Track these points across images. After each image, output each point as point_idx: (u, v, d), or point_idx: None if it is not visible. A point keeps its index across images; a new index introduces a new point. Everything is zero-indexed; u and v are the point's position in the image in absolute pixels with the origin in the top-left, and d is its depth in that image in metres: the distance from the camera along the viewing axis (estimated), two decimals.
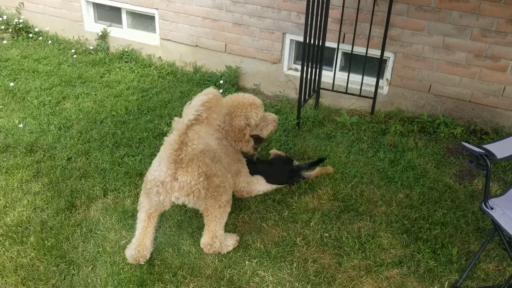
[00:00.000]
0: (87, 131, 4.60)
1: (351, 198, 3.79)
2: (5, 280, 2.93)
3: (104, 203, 3.64)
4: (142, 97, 5.40)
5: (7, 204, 3.57)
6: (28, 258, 3.11)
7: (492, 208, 2.71)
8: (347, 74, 5.13)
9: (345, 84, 5.15)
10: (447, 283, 3.03)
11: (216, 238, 3.11)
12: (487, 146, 2.80)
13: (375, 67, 5.07)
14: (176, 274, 3.04)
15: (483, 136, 4.75)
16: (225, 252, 3.20)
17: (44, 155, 4.18)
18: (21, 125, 4.63)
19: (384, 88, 5.29)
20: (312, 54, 4.72)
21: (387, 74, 5.22)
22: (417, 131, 4.84)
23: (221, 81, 5.81)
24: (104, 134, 4.56)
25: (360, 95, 5.09)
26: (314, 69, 4.89)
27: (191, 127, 2.67)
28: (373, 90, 5.04)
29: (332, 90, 5.20)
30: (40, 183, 3.82)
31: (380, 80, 5.22)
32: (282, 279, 3.03)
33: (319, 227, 3.47)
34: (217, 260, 3.16)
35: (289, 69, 5.74)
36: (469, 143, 2.81)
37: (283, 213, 3.61)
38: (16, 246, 3.19)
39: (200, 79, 5.91)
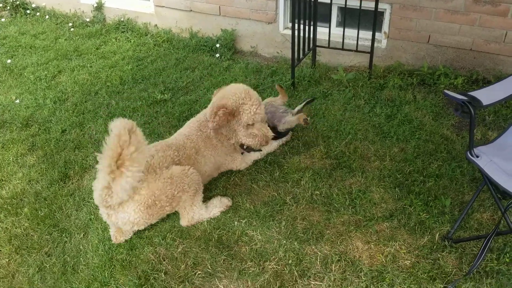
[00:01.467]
0: (81, 103, 4.62)
1: (344, 155, 3.74)
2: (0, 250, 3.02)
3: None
4: (137, 66, 5.37)
5: (3, 178, 3.65)
6: (22, 228, 3.19)
7: (477, 156, 2.63)
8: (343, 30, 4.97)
9: (342, 41, 5.00)
10: (438, 234, 2.98)
11: (193, 219, 3.14)
12: (473, 93, 2.69)
13: (372, 20, 4.88)
14: (166, 237, 3.08)
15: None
16: (210, 218, 3.22)
17: (39, 129, 4.23)
18: (17, 101, 4.68)
19: (383, 42, 5.12)
20: (305, 10, 4.58)
21: (385, 27, 5.04)
22: (416, 84, 4.69)
23: (217, 45, 5.72)
24: (98, 105, 4.58)
25: (357, 51, 4.94)
26: (308, 26, 4.76)
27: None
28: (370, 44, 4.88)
29: (329, 47, 5.06)
30: (35, 156, 3.88)
31: (378, 34, 5.06)
32: (271, 237, 3.04)
33: (310, 185, 3.44)
34: (206, 223, 3.18)
35: (285, 28, 5.60)
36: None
37: (274, 173, 3.60)
38: (11, 217, 3.28)
39: (196, 45, 5.83)
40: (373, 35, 4.76)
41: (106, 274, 2.81)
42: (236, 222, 3.17)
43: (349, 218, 3.16)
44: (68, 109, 4.52)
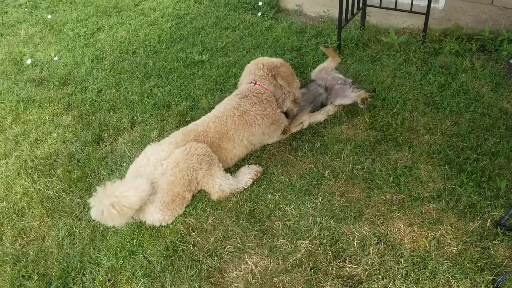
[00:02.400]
0: (119, 62, 4.52)
1: (391, 127, 3.46)
2: (31, 212, 3.02)
3: (130, 135, 3.60)
4: (176, 24, 5.18)
5: (38, 137, 3.64)
6: (54, 190, 3.17)
7: None
8: None
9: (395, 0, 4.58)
10: (490, 219, 2.71)
11: (223, 191, 2.99)
12: None
13: None
14: (196, 208, 2.97)
15: None
16: (244, 188, 3.07)
17: (76, 88, 4.18)
18: (56, 58, 4.64)
19: (440, 2, 4.66)
20: None
21: None
22: (475, 50, 4.26)
23: (260, 3, 5.42)
24: (135, 64, 4.46)
25: (411, 11, 4.52)
26: None
27: None
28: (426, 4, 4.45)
29: (380, 7, 4.65)
30: (70, 116, 3.83)
31: None
32: (305, 213, 2.87)
33: (351, 159, 3.22)
34: (239, 194, 3.04)
35: None
36: None
37: (313, 144, 3.38)
38: (44, 179, 3.27)
39: (238, 2, 5.55)
40: None
41: (134, 242, 2.75)
42: (269, 195, 3.01)
43: (392, 196, 2.93)
44: (105, 68, 4.43)
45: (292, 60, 4.34)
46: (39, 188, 3.19)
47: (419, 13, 4.49)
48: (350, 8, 4.40)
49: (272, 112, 3.27)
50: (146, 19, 5.31)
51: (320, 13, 5.41)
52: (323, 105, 3.72)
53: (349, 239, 2.69)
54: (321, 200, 2.95)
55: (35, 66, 4.55)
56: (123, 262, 2.66)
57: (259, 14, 5.31)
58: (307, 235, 2.73)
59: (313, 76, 3.90)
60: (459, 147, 3.24)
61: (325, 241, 2.69)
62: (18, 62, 4.67)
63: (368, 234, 2.70)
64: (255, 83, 3.28)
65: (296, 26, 4.98)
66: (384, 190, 2.98)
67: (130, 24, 5.25)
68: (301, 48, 4.56)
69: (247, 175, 3.11)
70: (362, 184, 3.04)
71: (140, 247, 2.74)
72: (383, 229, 2.73)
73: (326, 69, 3.82)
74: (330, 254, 2.61)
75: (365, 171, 3.13)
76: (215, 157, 3.00)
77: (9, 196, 3.18)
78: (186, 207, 2.96)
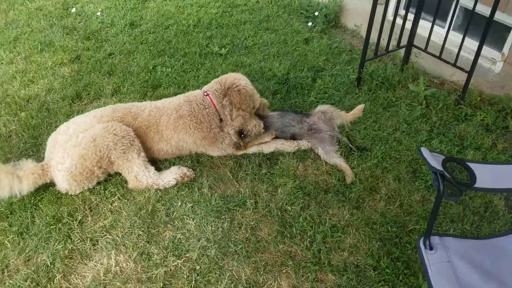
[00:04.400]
0: (146, 33, 4.63)
1: (344, 185, 3.09)
2: None
3: (105, 102, 3.69)
4: (223, 12, 5.15)
5: (32, 79, 3.91)
6: (7, 129, 3.38)
7: (432, 249, 1.90)
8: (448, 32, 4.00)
9: (441, 47, 4.05)
10: None
11: (140, 182, 2.94)
12: (472, 165, 1.93)
13: (493, 34, 3.86)
14: (107, 189, 2.96)
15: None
16: (164, 187, 2.98)
17: (93, 45, 4.38)
18: (98, 13, 4.89)
19: (497, 65, 4.02)
20: None
21: (506, 47, 3.92)
22: (509, 130, 3.62)
23: (316, 13, 5.15)
24: (159, 39, 4.54)
25: (454, 65, 3.97)
26: (405, 14, 3.94)
27: None
28: (483, 62, 3.87)
29: (425, 51, 4.15)
30: (69, 69, 4.04)
31: (495, 52, 3.99)
32: (201, 234, 2.70)
33: (285, 197, 2.94)
34: (155, 191, 2.96)
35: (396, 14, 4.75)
36: None
37: (261, 170, 3.16)
38: (8, 116, 3.51)
39: (297, 7, 5.33)
40: (478, 51, 3.73)
41: (31, 200, 2.85)
42: (180, 203, 2.89)
43: (296, 250, 2.64)
44: (132, 35, 4.57)
45: (304, 79, 4.07)
46: None
47: (462, 69, 3.93)
48: (388, 40, 4.00)
49: (206, 127, 3.12)
50: (201, 0, 5.35)
51: (374, 39, 4.99)
52: (294, 137, 3.43)
53: (221, 275, 2.49)
54: (226, 226, 2.76)
55: (78, 15, 4.85)
56: (11, 213, 2.75)
57: (309, 24, 5.06)
58: (186, 255, 2.59)
59: (317, 109, 3.57)
60: (408, 227, 2.80)
61: (197, 267, 2.52)
62: (66, 8, 5.02)
63: (243, 277, 2.48)
64: (207, 94, 3.15)
65: (336, 47, 4.66)
66: (294, 241, 2.69)
67: (184, 0, 5.33)
68: (322, 70, 4.26)
69: (172, 175, 3.02)
70: (276, 226, 2.77)
71: (34, 206, 2.82)
72: (262, 280, 2.48)
73: (332, 116, 3.47)
74: (193, 282, 2.44)
75: (289, 215, 2.85)
76: (138, 144, 2.95)
77: None
78: (98, 184, 2.97)
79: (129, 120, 3.01)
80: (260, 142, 3.30)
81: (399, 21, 4.26)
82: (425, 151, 1.90)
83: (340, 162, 3.22)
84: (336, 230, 2.77)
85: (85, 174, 2.83)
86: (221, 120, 3.16)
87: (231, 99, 3.04)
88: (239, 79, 3.16)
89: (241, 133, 3.25)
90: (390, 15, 4.76)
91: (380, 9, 3.88)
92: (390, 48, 4.10)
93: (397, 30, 4.16)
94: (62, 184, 2.84)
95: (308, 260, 2.59)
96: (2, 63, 4.12)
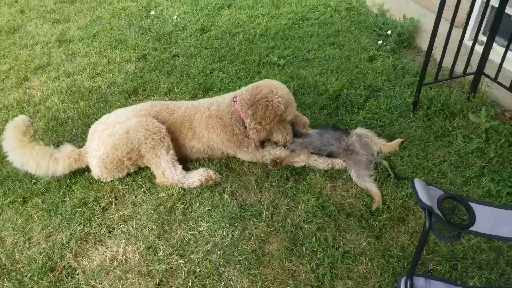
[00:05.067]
0: (213, 39, 4.79)
1: (370, 211, 2.92)
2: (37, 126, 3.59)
3: (158, 99, 3.88)
4: (293, 24, 5.15)
5: (100, 72, 4.26)
6: (65, 114, 3.70)
7: None
8: None
9: None
10: None
11: (166, 178, 3.04)
12: (475, 205, 1.75)
13: None
14: (135, 181, 3.12)
15: None
16: (188, 187, 3.06)
17: (162, 45, 4.63)
18: (174, 17, 5.16)
19: None
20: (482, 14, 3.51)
21: None
22: None
23: (389, 32, 4.95)
24: (224, 45, 4.67)
25: None
26: (475, 37, 3.65)
27: None
28: None
29: (494, 81, 3.79)
30: (134, 66, 4.31)
31: None
32: (210, 238, 2.74)
33: (303, 214, 2.87)
34: (178, 189, 3.06)
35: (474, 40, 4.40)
36: None
37: (287, 183, 3.11)
38: (69, 103, 3.82)
39: (370, 24, 5.17)
40: None
41: (67, 182, 3.08)
42: (198, 204, 2.95)
43: (300, 271, 2.55)
44: (199, 39, 4.76)
45: (357, 97, 3.94)
46: (59, 109, 3.76)
47: None
48: (453, 64, 3.73)
49: (229, 131, 3.13)
50: (274, 10, 5.41)
51: (448, 65, 4.67)
52: (330, 155, 3.33)
53: (218, 282, 2.50)
54: (236, 234, 2.76)
55: (156, 18, 5.17)
56: (46, 191, 3.02)
57: (379, 42, 4.88)
58: (190, 256, 2.63)
59: (355, 131, 3.44)
60: (428, 266, 2.58)
61: (197, 270, 2.56)
62: (148, 10, 5.37)
63: None
64: (235, 101, 3.16)
65: (402, 67, 4.44)
66: (301, 261, 2.61)
67: (257, 10, 5.43)
68: (379, 90, 4.08)
69: (198, 176, 3.09)
70: (286, 242, 2.71)
71: (68, 188, 3.05)
72: None
73: (368, 141, 3.33)
74: (189, 284, 2.48)
75: (303, 233, 2.77)
76: (168, 142, 3.07)
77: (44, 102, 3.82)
78: (129, 175, 3.14)
79: (165, 115, 3.15)
80: (296, 160, 3.26)
81: (469, 43, 3.95)
82: (418, 183, 1.76)
83: (371, 186, 3.06)
84: (348, 256, 2.63)
85: (115, 163, 3.01)
86: (245, 127, 3.17)
87: (255, 111, 3.03)
88: (277, 89, 3.10)
89: (263, 143, 3.25)
90: (466, 39, 4.43)
91: (457, 33, 3.63)
92: (455, 74, 3.81)
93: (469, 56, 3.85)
94: (95, 170, 3.05)
95: (310, 282, 2.49)
96: (78, 55, 4.52)
